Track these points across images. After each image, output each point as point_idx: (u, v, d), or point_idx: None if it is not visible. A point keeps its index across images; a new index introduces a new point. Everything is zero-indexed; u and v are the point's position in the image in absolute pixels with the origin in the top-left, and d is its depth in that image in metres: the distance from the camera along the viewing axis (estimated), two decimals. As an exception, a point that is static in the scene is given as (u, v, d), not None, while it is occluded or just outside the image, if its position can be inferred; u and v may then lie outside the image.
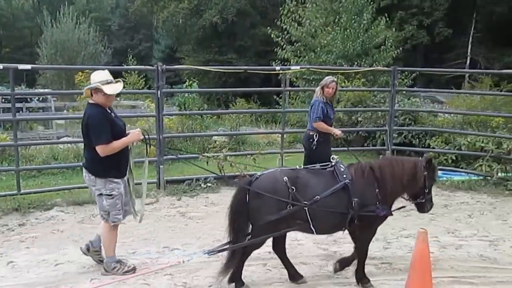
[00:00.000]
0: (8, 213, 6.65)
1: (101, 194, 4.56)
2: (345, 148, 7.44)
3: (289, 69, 8.69)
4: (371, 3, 16.61)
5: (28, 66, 7.53)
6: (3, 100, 14.27)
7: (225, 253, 4.42)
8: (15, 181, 7.27)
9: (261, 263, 5.09)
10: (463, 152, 8.85)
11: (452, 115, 10.66)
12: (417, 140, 10.08)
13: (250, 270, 4.88)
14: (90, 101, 4.57)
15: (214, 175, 7.37)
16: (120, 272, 4.72)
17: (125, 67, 20.02)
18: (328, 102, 6.65)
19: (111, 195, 4.55)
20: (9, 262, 5.10)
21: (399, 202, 4.56)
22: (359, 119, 10.91)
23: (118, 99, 23.96)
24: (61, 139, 11.22)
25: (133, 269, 4.79)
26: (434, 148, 9.34)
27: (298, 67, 10.13)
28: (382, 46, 15.68)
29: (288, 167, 4.82)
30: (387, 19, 16.77)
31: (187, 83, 12.93)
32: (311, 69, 10.08)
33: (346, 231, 4.50)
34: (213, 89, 18.72)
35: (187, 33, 31.70)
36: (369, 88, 11.58)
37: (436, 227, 6.27)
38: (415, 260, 3.65)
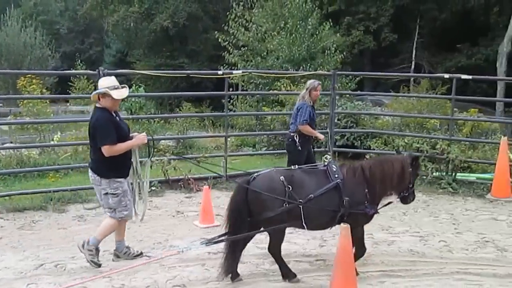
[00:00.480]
0: None
1: (106, 193, 4.88)
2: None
3: (231, 73, 8.85)
4: (316, 8, 17.04)
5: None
6: None
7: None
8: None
9: (199, 263, 5.19)
10: (402, 152, 9.23)
11: (392, 117, 11.12)
12: (359, 141, 10.44)
13: (188, 270, 4.99)
14: (97, 105, 4.92)
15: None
16: (131, 256, 5.19)
17: (67, 71, 19.64)
18: (313, 106, 6.93)
19: (116, 193, 4.87)
20: None
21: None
22: (304, 122, 11.15)
23: (68, 104, 23.48)
24: (4, 145, 10.95)
25: (141, 253, 5.30)
26: (374, 149, 9.73)
27: (240, 72, 10.29)
28: (326, 51, 16.09)
29: (282, 167, 5.11)
30: (332, 24, 17.22)
31: (133, 87, 12.87)
32: (256, 73, 10.25)
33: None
34: (158, 93, 18.70)
35: (138, 37, 31.33)
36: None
37: (371, 225, 6.42)
38: (338, 254, 3.84)
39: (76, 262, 5.21)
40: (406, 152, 6.43)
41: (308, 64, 15.21)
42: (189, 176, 8.25)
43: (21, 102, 11.40)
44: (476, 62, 21.76)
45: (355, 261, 4.62)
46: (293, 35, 15.67)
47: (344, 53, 17.04)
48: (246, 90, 15.19)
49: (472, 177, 8.64)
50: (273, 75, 9.69)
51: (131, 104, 11.76)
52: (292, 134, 6.89)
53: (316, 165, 4.96)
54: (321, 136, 6.96)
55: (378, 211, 4.72)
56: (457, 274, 5.00)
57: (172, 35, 29.21)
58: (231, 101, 14.79)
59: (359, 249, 4.76)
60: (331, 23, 17.27)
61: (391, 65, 24.16)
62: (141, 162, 5.20)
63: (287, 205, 4.39)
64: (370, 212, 4.58)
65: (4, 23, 26.76)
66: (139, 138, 4.94)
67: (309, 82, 6.99)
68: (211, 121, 15.33)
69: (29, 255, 5.41)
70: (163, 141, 10.65)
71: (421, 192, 8.22)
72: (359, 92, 13.99)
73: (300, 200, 4.41)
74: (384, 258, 5.40)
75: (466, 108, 11.78)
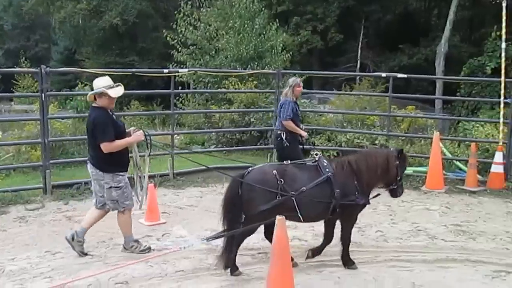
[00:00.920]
0: None
1: (110, 187, 5.17)
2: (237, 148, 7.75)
3: (177, 71, 8.90)
4: (264, 9, 17.30)
5: None
6: None
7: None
8: None
9: (143, 260, 5.23)
10: (343, 148, 9.63)
11: (335, 114, 11.50)
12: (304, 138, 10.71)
13: (132, 267, 4.99)
14: (94, 105, 5.16)
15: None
16: (137, 250, 5.35)
17: (7, 69, 18.90)
18: (296, 102, 7.10)
19: (119, 186, 5.18)
20: None
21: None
22: (252, 119, 11.37)
23: (12, 103, 22.61)
24: None
25: (149, 249, 5.42)
26: (318, 145, 10.04)
27: (186, 70, 10.34)
28: (273, 50, 16.37)
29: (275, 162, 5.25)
30: (279, 24, 17.50)
31: (79, 86, 12.61)
32: (203, 72, 10.33)
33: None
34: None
35: (87, 34, 30.59)
36: (252, 90, 12.08)
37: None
38: (274, 246, 4.00)
39: (16, 263, 5.15)
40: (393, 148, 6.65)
41: (256, 63, 15.43)
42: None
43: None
44: (417, 62, 22.75)
45: (347, 249, 5.03)
46: (241, 34, 15.84)
47: (291, 52, 17.36)
48: (196, 89, 15.23)
49: (409, 170, 9.09)
50: (219, 73, 9.80)
51: (77, 103, 11.52)
52: (279, 132, 7.03)
53: (304, 161, 5.20)
54: (304, 133, 7.09)
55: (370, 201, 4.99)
56: (390, 261, 5.31)
57: (122, 33, 28.75)
58: (180, 99, 14.80)
59: (346, 238, 5.05)
60: (278, 23, 17.57)
61: (338, 64, 24.84)
62: (141, 156, 5.59)
63: (280, 198, 4.60)
64: (361, 202, 4.84)
65: None
66: (136, 135, 5.27)
67: (291, 79, 7.18)
68: (162, 120, 15.25)
69: (-32, 258, 5.29)
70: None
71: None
72: (304, 90, 14.26)
73: (293, 193, 4.62)
74: (324, 249, 5.63)
75: (405, 105, 12.34)
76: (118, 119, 5.43)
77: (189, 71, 10.63)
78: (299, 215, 4.68)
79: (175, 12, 17.97)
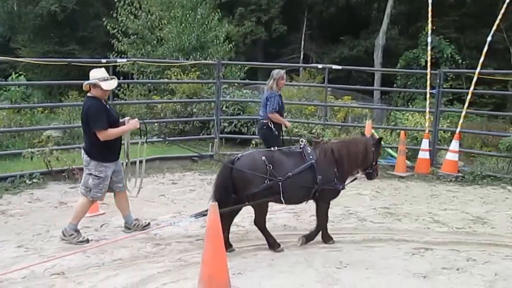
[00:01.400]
0: None
1: (90, 174, 5.33)
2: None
3: (116, 61, 8.82)
4: (208, -2, 17.30)
5: None
6: None
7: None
8: None
9: (79, 251, 5.24)
10: (283, 137, 9.89)
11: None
12: (246, 128, 10.95)
13: (68, 258, 4.97)
14: (89, 94, 5.36)
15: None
16: (75, 241, 5.36)
17: None
18: (280, 94, 7.29)
19: (98, 177, 5.32)
20: None
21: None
22: (194, 110, 11.44)
23: None
24: None
25: (87, 241, 5.40)
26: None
27: (125, 60, 10.26)
28: (215, 40, 16.43)
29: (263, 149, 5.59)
30: (222, 14, 17.53)
31: (13, 75, 12.15)
32: (144, 62, 10.27)
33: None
34: (38, 82, 17.90)
35: (23, 21, 29.16)
36: (194, 81, 12.14)
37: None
38: (207, 231, 4.16)
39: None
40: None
41: (199, 53, 15.43)
42: (74, 167, 8.11)
43: None
44: (357, 54, 23.54)
45: (323, 228, 5.37)
46: (183, 24, 15.77)
47: (234, 43, 17.45)
48: (138, 79, 15.04)
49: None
50: (161, 63, 9.76)
51: (11, 94, 11.13)
52: (265, 121, 7.24)
53: (290, 148, 5.46)
54: (288, 124, 7.42)
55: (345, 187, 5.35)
56: (321, 243, 5.56)
57: (61, 20, 27.66)
58: (122, 90, 14.61)
59: (324, 219, 5.39)
60: (223, 13, 17.61)
61: (282, 55, 25.20)
62: (136, 143, 5.78)
63: (268, 182, 4.87)
64: (339, 188, 5.21)
65: None
66: (132, 123, 5.41)
67: (275, 72, 7.29)
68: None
69: None
70: (50, 132, 10.27)
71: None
72: (244, 81, 14.48)
73: (280, 178, 4.89)
74: (259, 234, 5.75)
75: (344, 96, 12.83)
76: (112, 109, 5.64)
77: (128, 61, 10.54)
78: (282, 198, 5.00)
79: (116, 0, 17.59)
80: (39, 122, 11.15)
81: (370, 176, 5.57)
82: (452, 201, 7.59)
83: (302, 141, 5.41)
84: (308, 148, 5.24)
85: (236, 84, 12.63)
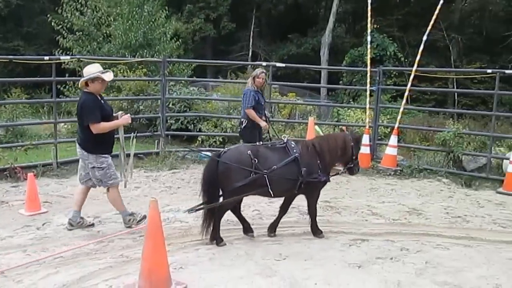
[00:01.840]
0: None
1: (93, 167, 5.56)
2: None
3: (59, 59, 8.67)
4: (154, -5, 17.11)
5: None
6: None
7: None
8: None
9: (20, 250, 5.17)
10: (229, 134, 10.10)
11: (222, 101, 11.85)
12: (192, 125, 11.00)
13: (9, 257, 4.94)
14: (85, 90, 5.52)
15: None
16: (135, 223, 5.75)
17: None
18: (258, 91, 7.32)
19: (101, 167, 5.55)
20: None
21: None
22: (141, 107, 11.38)
23: None
24: None
25: (144, 217, 5.70)
26: (204, 131, 10.38)
27: (69, 57, 10.08)
28: (163, 38, 16.34)
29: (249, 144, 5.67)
30: (169, 11, 17.41)
31: None
32: (86, 59, 10.11)
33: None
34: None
35: (-37, 16, 27.79)
36: (140, 78, 12.05)
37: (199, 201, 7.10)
38: (148, 226, 4.23)
39: None
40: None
41: (146, 51, 15.30)
42: (15, 165, 7.95)
43: None
44: (305, 51, 24.01)
45: (315, 221, 5.67)
46: (130, 21, 15.59)
47: (182, 40, 17.40)
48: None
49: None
50: (105, 61, 9.61)
51: None
52: (242, 119, 7.37)
53: (274, 143, 5.71)
54: (263, 124, 7.30)
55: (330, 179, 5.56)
56: (263, 237, 5.75)
57: (5, 16, 26.56)
58: (67, 87, 14.28)
59: (313, 212, 5.67)
60: (171, 10, 17.52)
61: (231, 52, 25.34)
62: (128, 138, 6.00)
63: (253, 175, 5.07)
64: (322, 179, 5.43)
65: None
66: (124, 118, 5.62)
67: (256, 70, 7.49)
68: (50, 108, 14.55)
69: None
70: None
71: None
72: (191, 78, 14.45)
73: (265, 171, 5.09)
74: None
75: (295, 93, 13.11)
76: (106, 103, 5.77)
77: (71, 58, 10.35)
78: (270, 190, 5.20)
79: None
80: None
81: (351, 171, 5.83)
82: (390, 194, 7.98)
83: (284, 136, 5.66)
84: (292, 142, 5.49)
85: (183, 81, 12.62)
